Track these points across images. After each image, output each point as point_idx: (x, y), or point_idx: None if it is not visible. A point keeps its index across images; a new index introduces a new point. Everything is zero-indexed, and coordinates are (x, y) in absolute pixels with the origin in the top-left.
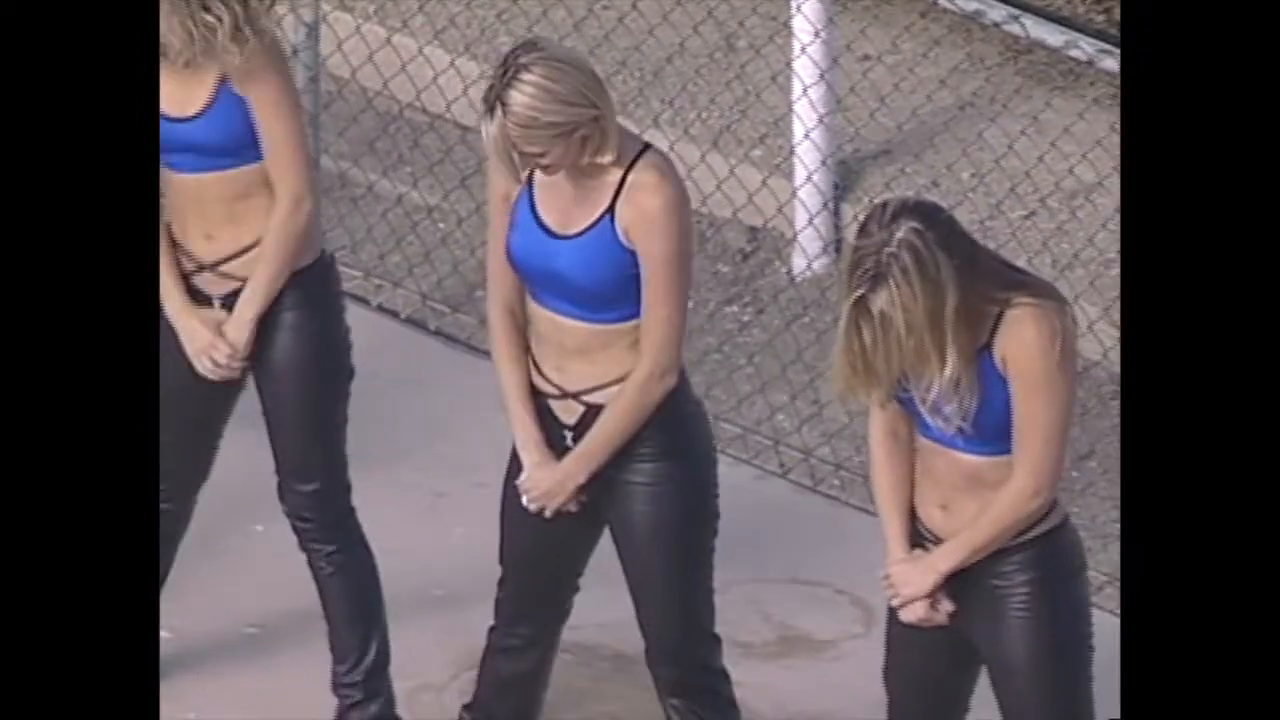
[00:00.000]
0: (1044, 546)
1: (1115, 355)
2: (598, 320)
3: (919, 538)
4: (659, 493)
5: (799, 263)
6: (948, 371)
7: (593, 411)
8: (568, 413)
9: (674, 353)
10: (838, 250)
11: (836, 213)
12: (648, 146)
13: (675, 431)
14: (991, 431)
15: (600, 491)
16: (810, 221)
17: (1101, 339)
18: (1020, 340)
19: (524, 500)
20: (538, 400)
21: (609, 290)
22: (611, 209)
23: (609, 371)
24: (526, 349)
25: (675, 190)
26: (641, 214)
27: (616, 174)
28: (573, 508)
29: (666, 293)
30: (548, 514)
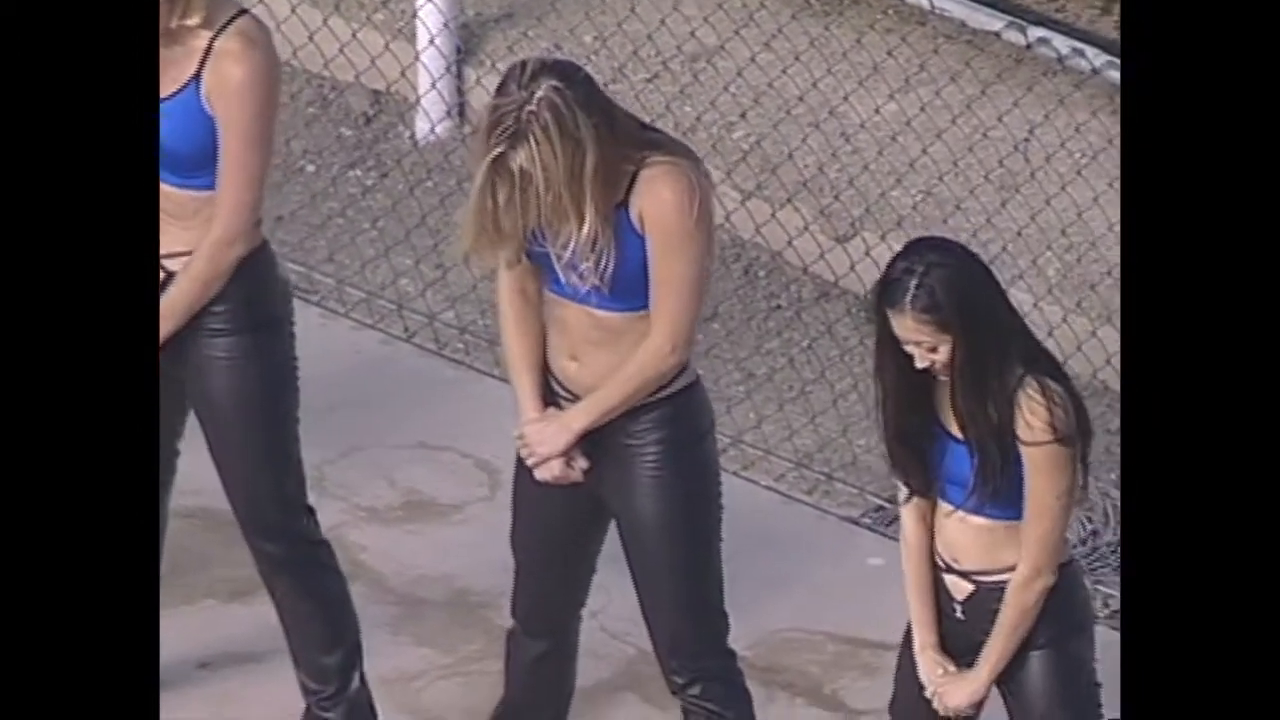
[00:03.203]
0: (675, 406)
1: (737, 219)
2: (187, 186)
3: (552, 394)
4: (239, 366)
5: (422, 127)
6: (585, 229)
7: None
8: None
9: (245, 219)
10: (461, 114)
11: (459, 76)
12: (243, 12)
13: (255, 303)
14: (626, 288)
15: (175, 362)
16: (433, 85)
17: (724, 202)
18: (657, 198)
19: None
20: None
21: (195, 157)
22: (198, 75)
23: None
24: None
25: (262, 58)
26: (222, 81)
27: (205, 38)
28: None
29: (241, 161)
30: None
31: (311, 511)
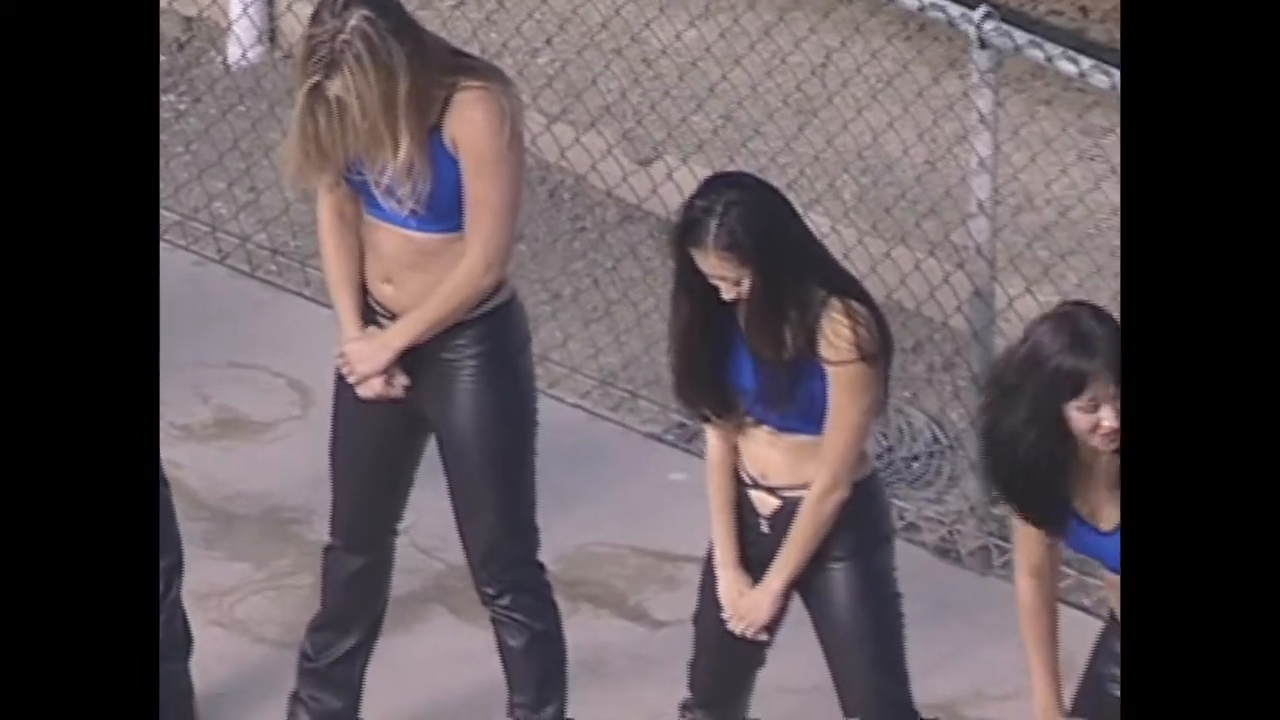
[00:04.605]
0: (491, 322)
1: (542, 142)
2: None
3: (372, 314)
4: None
5: (234, 52)
6: (401, 154)
7: None
8: None
9: None
10: (272, 40)
11: (270, 3)
12: None
13: None
14: (441, 211)
15: None
16: (244, 11)
17: (529, 127)
18: (469, 122)
19: None
20: None
21: None
22: None
23: None
24: None
25: None
26: None
27: None
28: None
29: None
30: None
31: None
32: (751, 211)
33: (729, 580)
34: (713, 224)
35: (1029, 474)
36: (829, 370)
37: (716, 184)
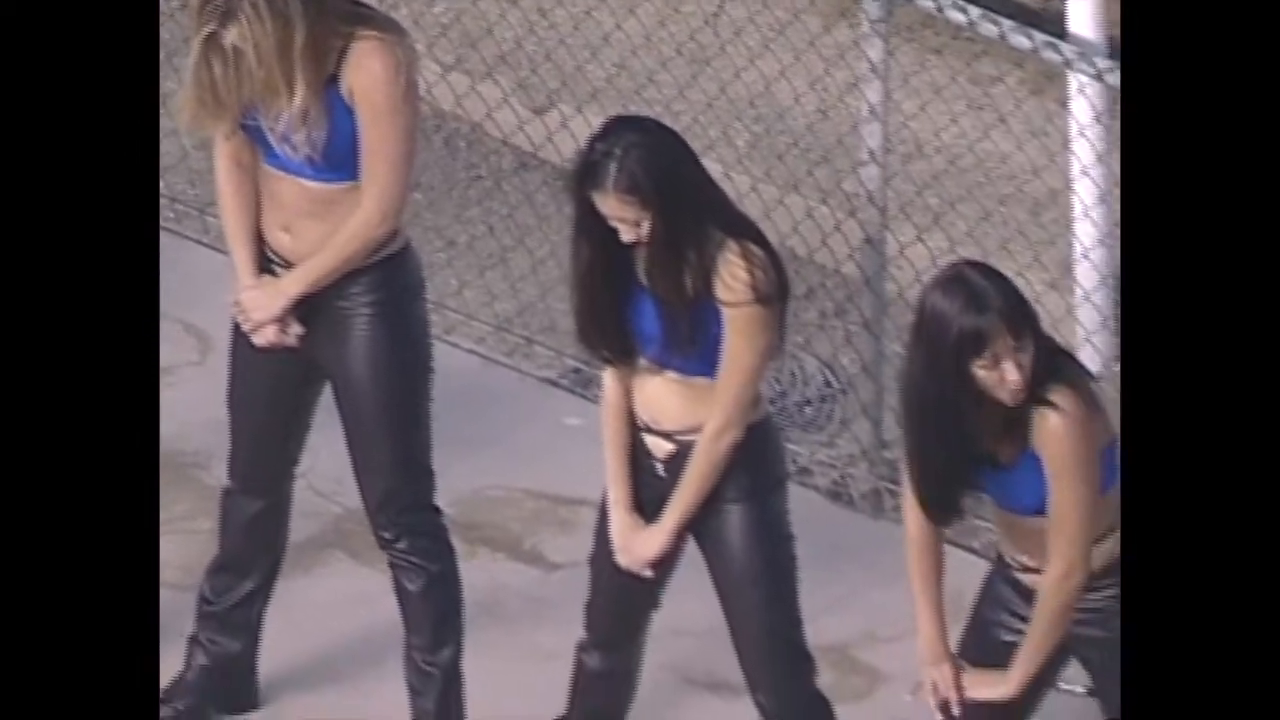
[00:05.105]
0: (386, 270)
1: (438, 91)
2: None
3: (268, 262)
4: None
5: None
6: (297, 102)
7: None
8: None
9: None
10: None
11: None
12: None
13: None
14: (337, 161)
15: None
16: None
17: (425, 75)
18: (366, 72)
19: None
20: None
21: None
22: None
23: None
24: None
25: None
26: None
27: None
28: None
29: None
30: None
31: None
32: (651, 154)
33: (621, 520)
34: (613, 166)
35: (946, 433)
36: (725, 312)
37: (616, 127)
